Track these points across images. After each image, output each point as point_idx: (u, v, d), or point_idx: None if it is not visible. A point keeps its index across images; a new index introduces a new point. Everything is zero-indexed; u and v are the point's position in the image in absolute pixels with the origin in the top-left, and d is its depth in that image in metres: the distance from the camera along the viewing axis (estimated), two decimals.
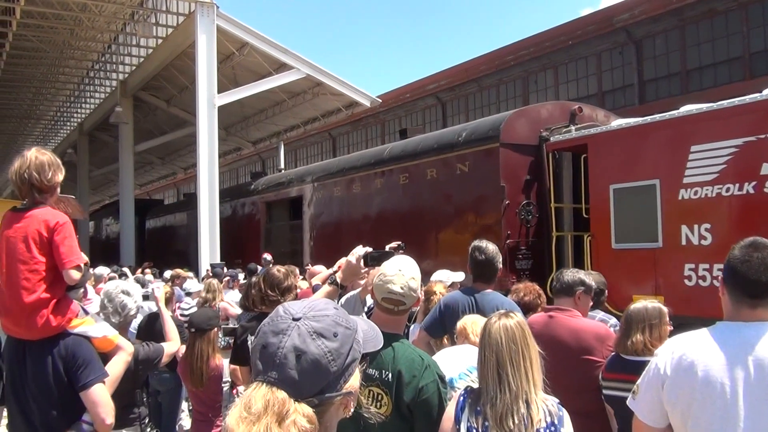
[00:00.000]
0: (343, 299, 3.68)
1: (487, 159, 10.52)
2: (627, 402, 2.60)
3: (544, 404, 2.57)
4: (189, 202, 24.00)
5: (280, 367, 1.26)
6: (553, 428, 2.53)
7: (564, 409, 2.62)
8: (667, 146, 8.50)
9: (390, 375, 2.76)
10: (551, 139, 10.30)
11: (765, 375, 2.25)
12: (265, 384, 1.26)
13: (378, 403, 2.76)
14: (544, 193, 10.26)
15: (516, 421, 2.49)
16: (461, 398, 2.68)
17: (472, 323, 3.59)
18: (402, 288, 2.85)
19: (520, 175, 10.32)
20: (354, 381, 1.33)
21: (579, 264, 9.34)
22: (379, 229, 12.92)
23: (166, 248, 26.03)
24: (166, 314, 4.82)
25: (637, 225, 8.80)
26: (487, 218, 10.53)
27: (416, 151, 12.43)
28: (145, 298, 5.23)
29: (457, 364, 3.21)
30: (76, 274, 3.26)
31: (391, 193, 13.01)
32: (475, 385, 2.76)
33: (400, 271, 2.89)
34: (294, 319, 1.31)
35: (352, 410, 1.36)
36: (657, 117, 8.78)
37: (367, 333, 1.43)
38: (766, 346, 2.29)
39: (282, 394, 1.23)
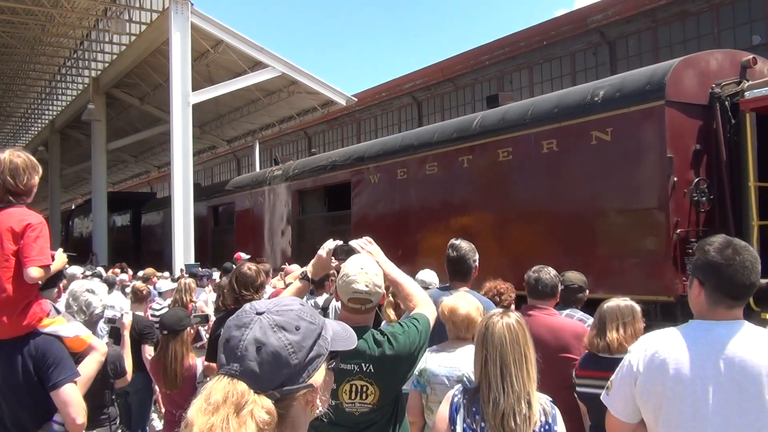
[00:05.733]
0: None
1: (645, 123, 7.94)
2: (601, 397, 2.62)
3: (539, 403, 2.58)
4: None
5: (241, 359, 1.27)
6: (547, 427, 2.55)
7: (556, 407, 2.63)
8: None
9: (371, 365, 2.78)
10: (746, 94, 7.62)
11: (735, 372, 2.28)
12: (226, 376, 1.27)
13: (363, 395, 2.77)
14: (720, 168, 7.81)
15: (518, 421, 2.49)
16: (455, 398, 2.67)
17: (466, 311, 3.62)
18: (367, 286, 2.82)
19: (689, 145, 7.81)
20: (318, 377, 1.33)
21: None
22: (467, 220, 10.48)
23: (165, 245, 23.26)
24: (127, 347, 4.87)
25: None
26: (645, 202, 7.95)
27: (524, 120, 9.63)
28: (111, 321, 5.22)
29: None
30: (35, 272, 3.17)
31: (484, 174, 10.25)
32: (470, 385, 2.76)
33: (363, 269, 2.86)
34: (258, 314, 1.33)
35: (320, 409, 1.36)
36: None
37: (339, 333, 1.45)
38: (736, 344, 2.32)
39: (242, 386, 1.25)
